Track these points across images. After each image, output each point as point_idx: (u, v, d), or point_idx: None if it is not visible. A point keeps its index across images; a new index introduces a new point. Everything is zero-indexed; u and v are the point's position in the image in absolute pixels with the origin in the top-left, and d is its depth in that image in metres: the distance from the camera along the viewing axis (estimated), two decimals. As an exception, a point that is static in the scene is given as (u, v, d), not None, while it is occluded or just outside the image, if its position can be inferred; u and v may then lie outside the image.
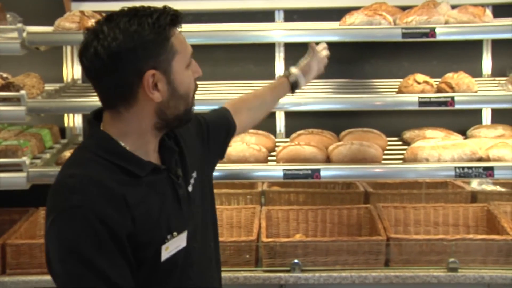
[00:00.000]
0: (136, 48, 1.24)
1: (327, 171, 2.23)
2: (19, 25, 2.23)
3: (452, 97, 2.25)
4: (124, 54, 1.24)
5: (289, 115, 2.86)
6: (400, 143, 2.67)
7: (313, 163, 2.29)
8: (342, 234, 2.57)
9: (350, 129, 2.57)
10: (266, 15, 2.82)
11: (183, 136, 1.49)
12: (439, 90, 2.41)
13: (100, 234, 1.19)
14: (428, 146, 2.30)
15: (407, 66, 2.84)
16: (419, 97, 2.26)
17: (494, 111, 2.83)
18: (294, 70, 1.97)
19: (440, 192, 2.77)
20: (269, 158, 2.45)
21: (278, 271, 2.31)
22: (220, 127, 1.70)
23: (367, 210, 2.59)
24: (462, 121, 2.76)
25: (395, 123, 2.77)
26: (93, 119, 1.36)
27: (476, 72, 2.71)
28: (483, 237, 2.33)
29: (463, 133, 2.69)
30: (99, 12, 2.45)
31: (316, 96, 2.42)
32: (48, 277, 1.25)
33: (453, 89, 2.36)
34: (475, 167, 2.20)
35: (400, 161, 2.36)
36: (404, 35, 2.24)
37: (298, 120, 2.78)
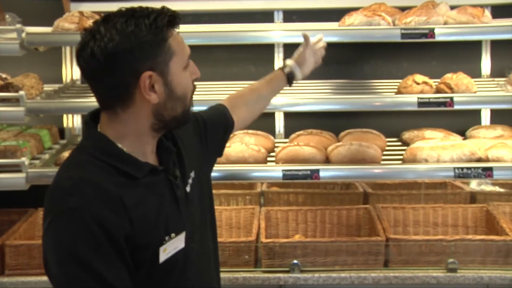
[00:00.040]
0: (133, 49, 1.23)
1: (326, 172, 2.23)
2: (18, 25, 2.22)
3: (451, 98, 2.25)
4: (121, 55, 1.23)
5: (288, 115, 2.86)
6: (399, 143, 2.67)
7: (312, 163, 2.29)
8: (341, 234, 2.57)
9: (349, 130, 2.57)
10: (265, 16, 2.82)
11: (181, 136, 1.48)
12: (438, 90, 2.41)
13: (97, 236, 1.19)
14: (427, 147, 2.30)
15: (406, 67, 2.84)
16: (418, 98, 2.26)
17: (493, 112, 2.83)
18: (288, 61, 1.98)
19: (439, 193, 2.77)
20: (268, 158, 2.45)
21: (277, 271, 2.31)
22: (217, 124, 1.69)
23: (366, 211, 2.59)
24: (461, 122, 2.76)
25: (394, 123, 2.77)
26: (90, 120, 1.35)
27: (475, 73, 2.71)
28: (482, 238, 2.33)
29: (462, 133, 2.69)
30: (98, 13, 2.44)
31: (315, 96, 2.42)
32: (47, 278, 1.24)
33: (452, 90, 2.36)
34: (474, 168, 2.20)
35: (399, 162, 2.36)
36: (403, 35, 2.24)
37: (297, 121, 2.79)
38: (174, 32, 1.31)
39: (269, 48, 2.85)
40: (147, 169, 1.33)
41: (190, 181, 1.45)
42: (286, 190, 2.77)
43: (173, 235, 1.33)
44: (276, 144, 2.59)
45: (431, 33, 2.23)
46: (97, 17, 2.33)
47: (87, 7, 2.65)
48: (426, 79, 2.41)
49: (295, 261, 2.30)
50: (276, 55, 2.85)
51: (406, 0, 2.55)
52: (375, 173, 2.26)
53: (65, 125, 2.90)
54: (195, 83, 1.40)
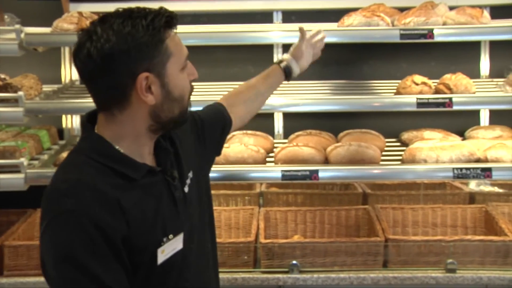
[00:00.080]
0: (130, 50, 1.23)
1: (325, 172, 2.23)
2: (17, 26, 2.22)
3: (450, 98, 2.25)
4: (117, 56, 1.23)
5: (287, 116, 2.86)
6: (398, 144, 2.67)
7: (311, 164, 2.29)
8: (340, 235, 2.57)
9: (348, 130, 2.57)
10: (264, 16, 2.82)
11: (178, 136, 1.48)
12: (437, 91, 2.41)
13: (94, 238, 1.19)
14: (426, 147, 2.30)
15: (405, 67, 2.84)
16: (417, 98, 2.26)
17: (492, 112, 2.83)
18: (285, 56, 1.97)
19: (438, 193, 2.77)
20: (268, 159, 2.45)
21: (276, 272, 2.30)
22: (215, 123, 1.68)
23: (365, 211, 2.59)
24: (460, 122, 2.76)
25: (393, 124, 2.77)
26: (87, 121, 1.35)
27: (474, 73, 2.71)
28: (481, 238, 2.33)
29: (461, 134, 2.69)
30: (98, 13, 2.44)
31: (314, 97, 2.42)
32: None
33: (451, 90, 2.36)
34: (473, 168, 2.20)
35: (398, 162, 2.36)
36: (402, 36, 2.24)
37: (296, 121, 2.79)
38: (171, 33, 1.30)
39: (268, 49, 2.85)
40: (145, 170, 1.32)
41: (188, 181, 1.45)
42: (285, 190, 2.77)
43: (171, 236, 1.33)
44: (275, 145, 2.58)
45: (430, 33, 2.23)
46: (96, 17, 2.33)
47: (86, 8, 2.65)
48: (425, 79, 2.41)
49: (294, 262, 2.29)
50: (275, 55, 2.85)
51: (405, 1, 2.55)
52: (374, 174, 2.26)
53: (64, 125, 2.90)
54: (193, 83, 1.40)
